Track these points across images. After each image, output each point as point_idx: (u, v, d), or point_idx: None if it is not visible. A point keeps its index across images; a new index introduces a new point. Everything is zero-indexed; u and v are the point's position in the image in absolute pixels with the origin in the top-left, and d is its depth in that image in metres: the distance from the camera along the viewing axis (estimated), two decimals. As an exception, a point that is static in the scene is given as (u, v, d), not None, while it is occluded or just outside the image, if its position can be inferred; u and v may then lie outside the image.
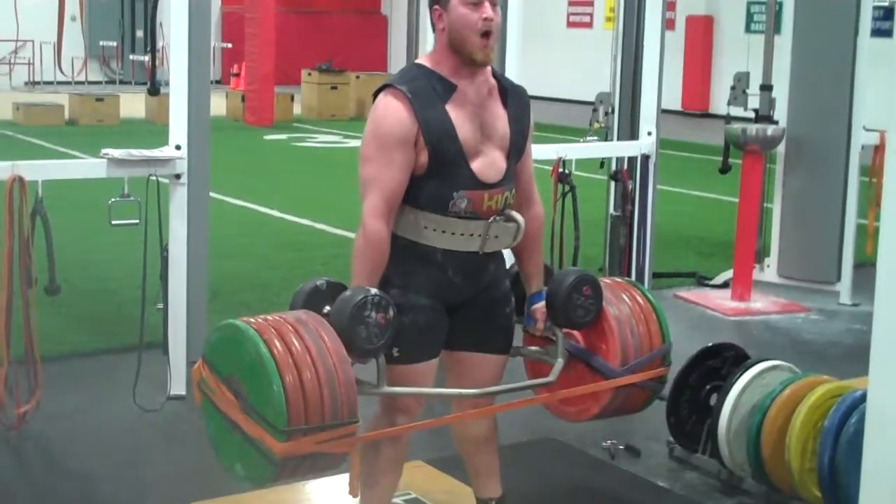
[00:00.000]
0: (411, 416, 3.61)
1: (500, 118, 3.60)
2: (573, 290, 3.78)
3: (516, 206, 3.68)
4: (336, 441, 3.30)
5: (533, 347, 3.98)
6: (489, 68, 3.62)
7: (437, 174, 3.49)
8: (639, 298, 4.03)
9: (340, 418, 3.28)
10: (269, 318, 3.39)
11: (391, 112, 3.45)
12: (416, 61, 3.65)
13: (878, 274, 2.85)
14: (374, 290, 3.38)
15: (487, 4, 3.48)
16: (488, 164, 3.55)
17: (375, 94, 3.54)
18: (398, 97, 3.46)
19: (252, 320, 3.37)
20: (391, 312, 3.38)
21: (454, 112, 3.49)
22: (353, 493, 3.44)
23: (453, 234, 3.52)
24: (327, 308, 3.48)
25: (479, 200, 3.53)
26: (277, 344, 3.26)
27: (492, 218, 3.55)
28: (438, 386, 3.71)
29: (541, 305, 3.80)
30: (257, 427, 3.27)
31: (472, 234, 3.55)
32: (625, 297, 4.01)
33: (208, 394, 3.46)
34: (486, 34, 3.48)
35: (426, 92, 3.48)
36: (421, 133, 3.45)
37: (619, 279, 4.22)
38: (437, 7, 3.54)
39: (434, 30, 3.57)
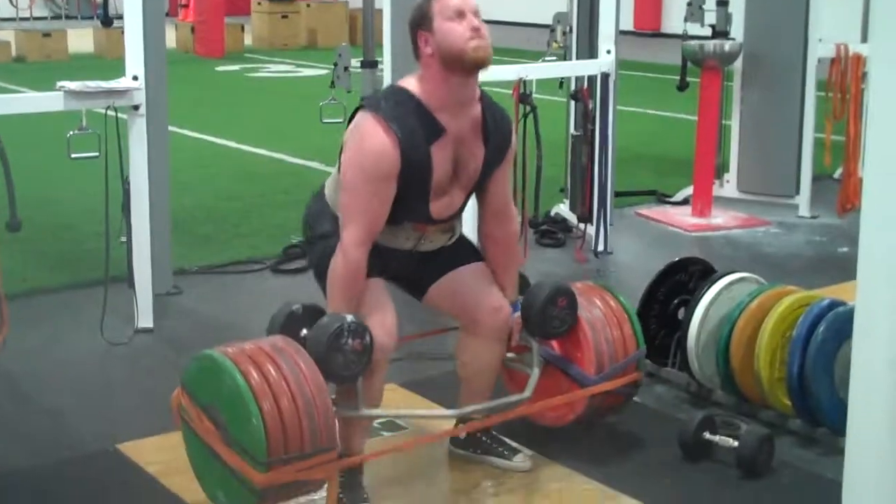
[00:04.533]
0: (386, 352, 3.59)
1: (475, 157, 3.62)
2: (548, 302, 3.81)
3: (490, 223, 3.78)
4: (316, 468, 3.34)
5: (509, 355, 4.01)
6: (478, 97, 3.62)
7: (396, 204, 3.53)
8: (611, 302, 4.07)
9: (319, 447, 3.31)
10: (245, 346, 3.41)
11: (379, 149, 3.44)
12: (404, 86, 3.60)
13: (865, 177, 2.87)
14: (350, 317, 3.41)
15: (470, 15, 3.47)
16: (447, 205, 3.64)
17: (356, 110, 3.56)
18: (388, 134, 3.44)
19: (229, 350, 3.39)
20: (367, 338, 3.41)
21: (436, 154, 3.51)
22: None
23: (392, 235, 3.62)
24: (304, 331, 3.52)
25: (423, 230, 3.66)
26: (254, 374, 3.29)
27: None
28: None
29: (516, 317, 3.85)
30: (237, 457, 3.30)
31: (408, 238, 3.67)
32: (597, 301, 4.04)
33: (188, 421, 3.48)
34: (475, 31, 3.46)
35: (414, 131, 3.47)
36: (400, 172, 3.46)
37: (590, 283, 4.24)
38: (421, 32, 3.52)
39: (418, 57, 3.54)
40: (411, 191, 3.52)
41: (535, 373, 3.89)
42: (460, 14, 3.48)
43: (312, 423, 3.30)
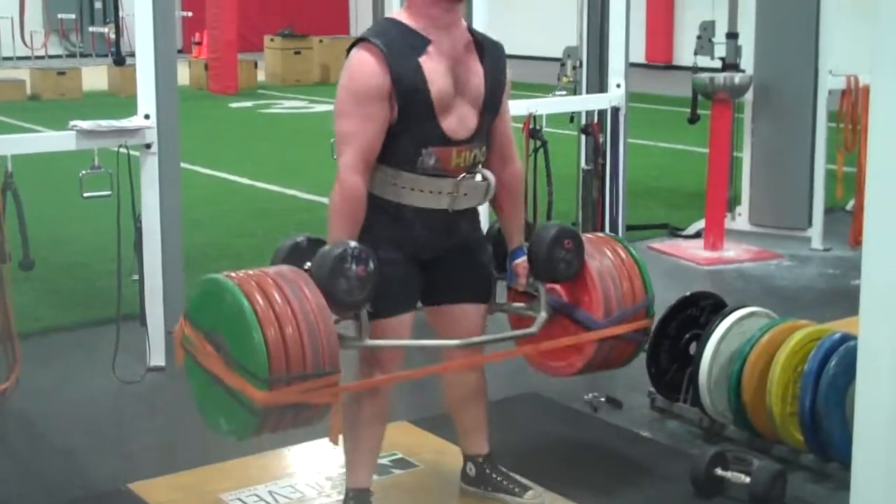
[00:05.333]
0: (389, 371, 3.61)
1: (475, 73, 3.58)
2: (554, 244, 3.78)
3: (494, 165, 3.69)
4: (318, 391, 3.30)
5: (516, 304, 3.99)
6: (465, 24, 3.61)
7: (406, 129, 3.48)
8: (621, 252, 4.05)
9: (322, 368, 3.28)
10: (249, 272, 3.39)
11: (365, 66, 3.43)
12: (390, 16, 3.63)
13: (867, 212, 2.87)
14: (353, 243, 3.38)
15: None
16: (458, 120, 3.54)
17: (349, 50, 3.52)
18: (371, 51, 3.44)
19: (233, 274, 3.37)
20: (371, 265, 3.38)
21: (428, 66, 3.47)
22: (334, 440, 3.44)
23: (422, 191, 3.53)
24: (308, 264, 3.47)
25: (447, 157, 3.53)
26: (258, 296, 3.26)
27: (461, 175, 3.56)
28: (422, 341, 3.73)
29: (522, 261, 3.81)
30: (239, 378, 3.27)
31: (440, 192, 3.55)
32: (607, 251, 4.02)
33: (191, 350, 3.46)
34: None
35: (399, 45, 3.46)
36: (393, 86, 3.43)
37: (600, 234, 4.24)
38: None
39: None
40: (414, 109, 3.46)
41: (543, 314, 3.85)
42: None
43: (315, 346, 3.26)
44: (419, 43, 3.49)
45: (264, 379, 3.21)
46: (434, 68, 3.48)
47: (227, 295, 3.29)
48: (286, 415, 3.33)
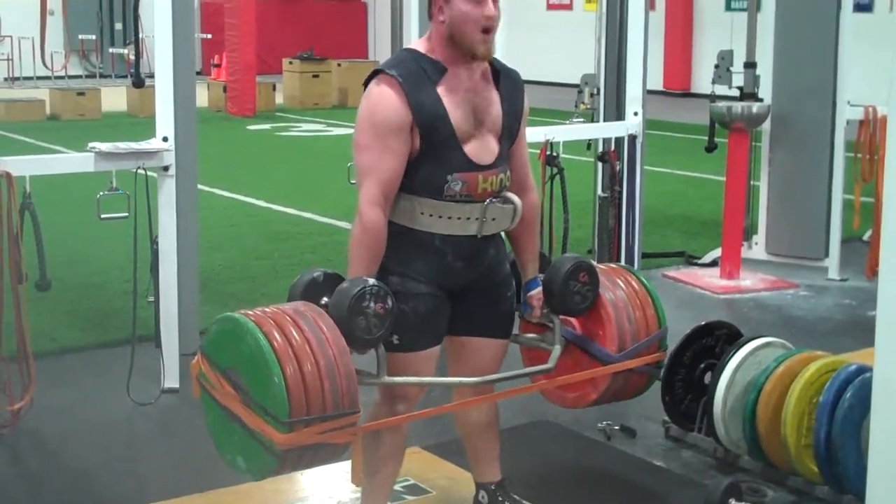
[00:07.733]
0: (411, 404, 3.61)
1: (492, 102, 3.58)
2: (570, 277, 3.79)
3: (512, 193, 3.67)
4: (338, 431, 3.30)
5: (529, 334, 3.99)
6: None
7: (430, 158, 3.47)
8: (634, 283, 4.06)
9: (341, 409, 3.28)
10: (267, 310, 3.39)
11: (385, 99, 3.43)
12: (408, 46, 3.63)
13: (883, 245, 2.86)
14: (372, 281, 3.37)
15: (490, 2, 3.46)
16: (481, 146, 3.54)
17: (367, 81, 3.53)
18: (390, 84, 3.44)
19: (251, 313, 3.37)
20: (389, 302, 3.38)
21: (446, 96, 3.48)
22: (356, 481, 3.44)
23: (450, 218, 3.51)
24: (325, 299, 3.47)
25: (474, 183, 3.52)
26: (277, 336, 3.26)
27: (488, 200, 3.55)
28: (440, 371, 3.72)
29: (537, 292, 3.81)
30: (258, 419, 3.27)
31: (468, 218, 3.53)
32: (620, 282, 4.03)
33: (207, 387, 3.45)
34: (486, 30, 3.47)
35: (417, 75, 3.46)
36: (414, 117, 3.43)
37: (613, 265, 4.24)
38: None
39: (430, 18, 3.54)
40: (438, 136, 3.45)
41: (558, 348, 3.85)
42: (480, 1, 3.46)
43: (335, 387, 3.26)
44: (436, 72, 3.49)
45: (284, 422, 3.21)
46: (452, 98, 3.49)
47: (248, 336, 3.29)
48: (305, 454, 3.34)
